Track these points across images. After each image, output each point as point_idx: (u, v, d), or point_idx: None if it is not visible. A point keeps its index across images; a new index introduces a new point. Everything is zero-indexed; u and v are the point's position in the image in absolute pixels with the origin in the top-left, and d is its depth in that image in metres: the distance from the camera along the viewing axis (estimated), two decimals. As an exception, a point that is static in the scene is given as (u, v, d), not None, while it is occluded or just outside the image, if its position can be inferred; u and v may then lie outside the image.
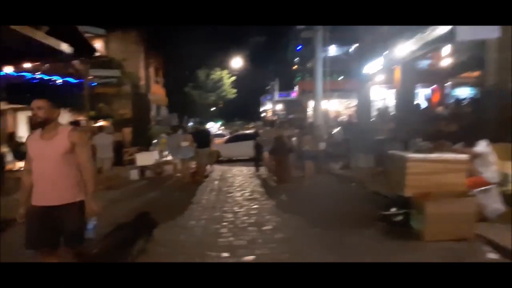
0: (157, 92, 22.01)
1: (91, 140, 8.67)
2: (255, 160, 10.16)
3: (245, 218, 5.19)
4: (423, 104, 9.89)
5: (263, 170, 10.19)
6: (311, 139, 7.75)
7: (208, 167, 12.03)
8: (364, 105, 11.40)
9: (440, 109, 8.93)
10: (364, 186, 6.99)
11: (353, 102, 19.71)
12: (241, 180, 9.06)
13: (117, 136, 17.47)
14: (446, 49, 8.80)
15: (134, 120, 16.93)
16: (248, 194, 7.09)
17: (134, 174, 10.38)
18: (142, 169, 10.65)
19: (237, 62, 25.83)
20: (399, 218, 4.22)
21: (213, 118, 45.89)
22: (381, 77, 11.84)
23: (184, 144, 10.46)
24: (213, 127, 43.16)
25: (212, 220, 5.12)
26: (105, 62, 11.94)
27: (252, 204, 6.08)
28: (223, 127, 37.67)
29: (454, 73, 9.45)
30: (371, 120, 7.37)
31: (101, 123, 15.18)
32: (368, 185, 6.90)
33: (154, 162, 10.83)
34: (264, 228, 4.63)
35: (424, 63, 10.13)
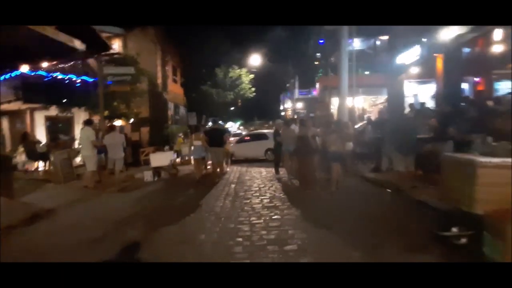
0: (175, 91, 21.68)
1: (102, 140, 8.22)
2: (275, 162, 9.33)
3: (263, 233, 4.38)
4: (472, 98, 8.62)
5: (283, 173, 9.36)
6: (338, 138, 6.82)
7: (224, 167, 11.40)
8: (396, 101, 10.29)
9: (490, 103, 7.70)
10: (405, 193, 5.99)
11: (380, 98, 18.43)
12: (259, 183, 8.27)
13: (135, 135, 17.41)
14: (498, 34, 7.57)
15: (151, 119, 16.63)
16: (267, 200, 6.28)
17: (148, 176, 9.85)
18: (157, 170, 10.13)
19: (255, 59, 25.06)
20: (463, 240, 3.27)
21: (233, 117, 45.58)
22: (414, 70, 10.68)
23: (197, 143, 9.86)
24: (233, 126, 42.91)
25: (225, 234, 4.37)
26: (120, 60, 11.52)
27: (272, 214, 5.26)
28: (242, 127, 37.16)
29: (505, 62, 8.17)
30: (409, 116, 6.32)
31: (118, 122, 15.03)
32: (410, 192, 5.90)
33: (169, 163, 10.27)
34: (287, 248, 3.80)
35: (469, 52, 8.91)
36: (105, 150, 8.17)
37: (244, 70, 26.24)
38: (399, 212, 5.06)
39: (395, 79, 10.52)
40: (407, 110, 8.51)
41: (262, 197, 6.58)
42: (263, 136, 13.68)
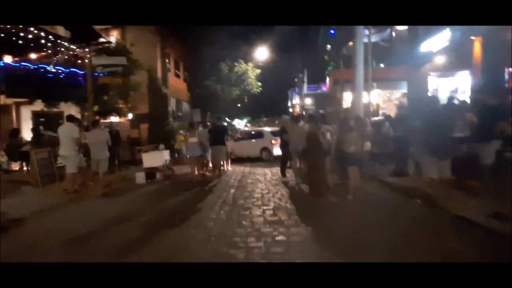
0: (177, 85, 20.72)
1: (84, 138, 7.27)
2: (281, 163, 8.25)
3: (263, 262, 3.33)
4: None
5: (291, 175, 8.28)
6: (357, 137, 5.70)
7: (224, 166, 10.39)
8: (419, 95, 9.08)
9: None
10: (438, 205, 4.85)
11: (395, 93, 17.09)
12: (262, 189, 7.20)
13: (134, 132, 16.54)
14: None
15: (150, 115, 15.73)
16: (270, 213, 5.21)
17: (140, 177, 8.90)
18: (151, 171, 9.17)
19: (262, 53, 23.87)
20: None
21: (240, 114, 44.52)
22: (440, 59, 9.42)
23: (192, 140, 8.89)
24: (239, 123, 41.86)
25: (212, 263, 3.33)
26: (112, 50, 10.56)
27: (275, 233, 4.19)
28: (249, 124, 36.10)
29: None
30: (445, 113, 5.14)
31: (116, 118, 14.14)
32: (445, 204, 4.76)
33: (164, 163, 9.29)
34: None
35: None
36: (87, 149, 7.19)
37: (250, 65, 25.06)
38: (439, 232, 3.94)
39: (417, 71, 9.29)
40: (440, 104, 7.20)
41: (265, 207, 5.52)
42: (259, 135, 13.19)
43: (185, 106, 23.17)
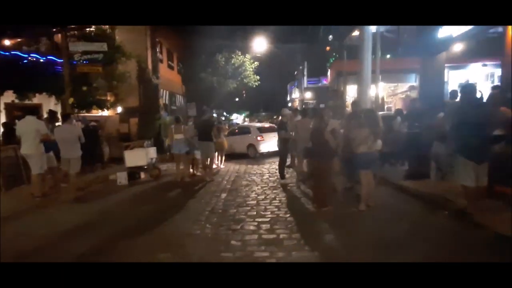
0: (170, 77, 19.63)
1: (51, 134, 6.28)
2: (280, 163, 7.30)
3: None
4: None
5: (290, 176, 7.36)
6: (370, 135, 4.74)
7: (217, 164, 9.44)
8: (435, 87, 8.11)
9: None
10: (472, 219, 3.93)
11: (401, 86, 16.10)
12: (259, 193, 6.26)
13: (123, 127, 15.53)
14: None
15: (140, 109, 14.72)
16: (266, 227, 4.26)
17: (122, 178, 7.96)
18: (134, 170, 8.22)
19: (260, 44, 22.70)
20: None
21: (238, 109, 43.46)
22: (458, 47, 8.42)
23: (178, 137, 7.91)
24: (238, 118, 40.80)
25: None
26: (93, 36, 9.50)
27: (272, 259, 3.25)
28: (248, 119, 35.09)
29: None
30: (484, 108, 4.14)
31: (105, 112, 13.12)
32: (481, 219, 3.84)
33: (149, 162, 8.33)
34: None
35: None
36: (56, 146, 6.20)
37: (248, 57, 23.95)
38: (482, 256, 3.02)
39: (432, 61, 8.30)
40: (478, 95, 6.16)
41: (260, 220, 4.57)
42: (245, 130, 12.56)
43: (180, 100, 22.11)
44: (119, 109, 14.76)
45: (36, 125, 6.01)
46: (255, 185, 7.02)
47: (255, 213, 4.92)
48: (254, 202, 5.59)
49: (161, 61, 17.41)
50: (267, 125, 13.65)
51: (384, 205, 4.93)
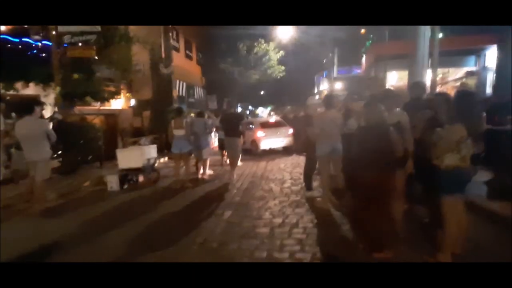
0: (188, 68, 18.28)
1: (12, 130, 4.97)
2: (305, 171, 5.47)
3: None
4: None
5: (318, 186, 5.54)
6: (461, 135, 2.80)
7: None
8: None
9: None
10: None
11: (452, 73, 13.47)
12: (275, 212, 4.54)
13: (136, 121, 14.48)
14: None
15: (153, 101, 13.55)
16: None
17: (113, 183, 6.60)
18: (128, 173, 6.84)
19: (285, 31, 20.66)
20: None
21: (263, 102, 41.72)
22: None
23: (178, 132, 6.41)
24: (263, 112, 39.05)
25: None
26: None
27: None
28: (273, 112, 33.28)
29: None
30: None
31: (114, 106, 12.08)
32: None
33: (145, 163, 6.89)
34: None
35: None
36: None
37: (272, 45, 22.01)
38: None
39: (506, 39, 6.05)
40: None
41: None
42: (249, 126, 11.50)
43: (199, 92, 20.76)
44: (132, 102, 13.76)
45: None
46: (272, 199, 5.29)
47: (265, 253, 3.22)
48: (267, 229, 3.88)
49: (177, 49, 16.06)
50: (272, 119, 12.48)
51: (477, 248, 3.01)
